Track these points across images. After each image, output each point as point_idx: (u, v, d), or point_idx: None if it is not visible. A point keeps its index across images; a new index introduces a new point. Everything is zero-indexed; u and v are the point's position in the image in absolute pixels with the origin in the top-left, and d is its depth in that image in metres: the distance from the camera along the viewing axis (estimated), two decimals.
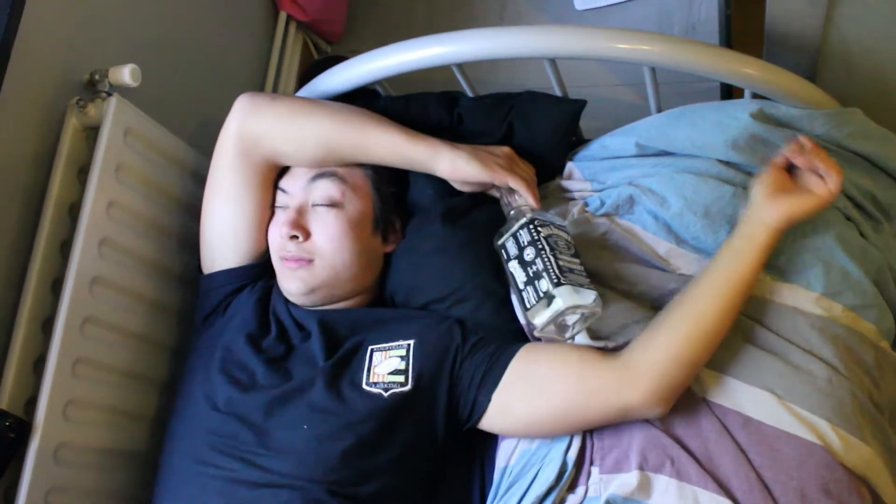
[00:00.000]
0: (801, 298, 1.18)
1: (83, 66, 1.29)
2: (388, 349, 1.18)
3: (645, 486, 1.06)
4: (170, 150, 1.37)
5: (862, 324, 1.19)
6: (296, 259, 1.21)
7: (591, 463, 1.12)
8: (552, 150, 1.34)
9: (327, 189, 1.22)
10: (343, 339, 1.20)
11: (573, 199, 1.33)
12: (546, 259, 1.11)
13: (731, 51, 1.27)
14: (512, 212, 1.19)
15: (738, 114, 1.24)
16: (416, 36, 1.32)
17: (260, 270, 1.28)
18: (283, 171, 1.28)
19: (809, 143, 1.16)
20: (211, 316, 1.28)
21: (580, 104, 1.34)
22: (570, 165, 1.35)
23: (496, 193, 1.25)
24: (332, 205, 1.22)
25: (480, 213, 1.27)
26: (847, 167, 1.26)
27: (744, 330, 1.17)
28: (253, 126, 1.23)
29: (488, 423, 1.16)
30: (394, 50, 1.32)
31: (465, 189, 1.25)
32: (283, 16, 1.91)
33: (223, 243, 1.27)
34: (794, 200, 1.13)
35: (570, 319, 1.11)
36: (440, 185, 1.27)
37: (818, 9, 1.31)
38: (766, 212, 1.13)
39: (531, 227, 1.15)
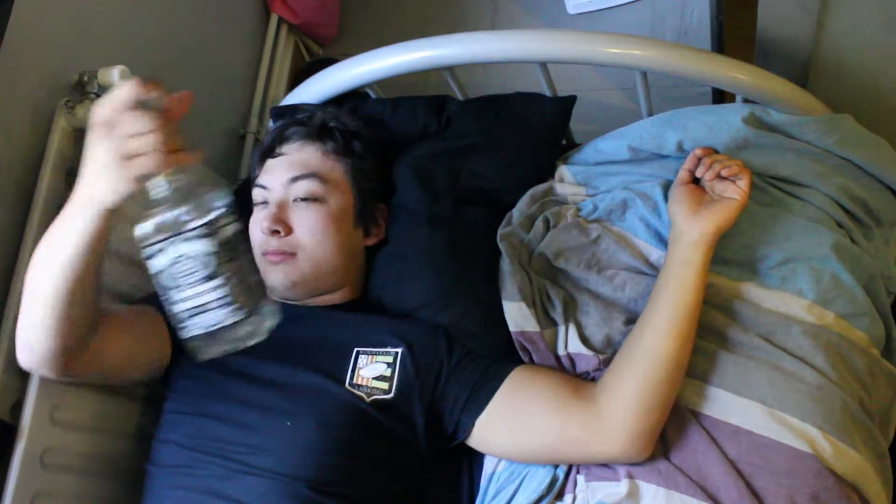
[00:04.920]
0: (793, 306, 1.18)
1: (72, 68, 1.29)
2: (375, 353, 1.17)
3: (633, 495, 1.06)
4: None
5: (853, 332, 1.18)
6: (278, 253, 1.20)
7: (577, 471, 1.12)
8: (543, 148, 1.34)
9: (308, 186, 1.22)
10: (327, 336, 1.20)
11: (566, 202, 1.33)
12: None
13: (722, 56, 1.27)
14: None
15: (730, 118, 1.24)
16: (409, 39, 1.32)
17: None
18: (259, 169, 1.27)
19: (700, 152, 1.18)
20: None
21: (570, 100, 1.34)
22: (562, 168, 1.35)
23: None
24: (314, 199, 1.22)
25: (468, 215, 1.27)
26: (838, 173, 1.26)
27: (734, 339, 1.16)
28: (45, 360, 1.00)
29: (474, 443, 1.17)
30: (384, 53, 1.32)
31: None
32: (274, 18, 1.91)
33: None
34: (715, 212, 1.14)
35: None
36: (427, 184, 1.27)
37: (810, 15, 1.30)
38: (693, 231, 1.14)
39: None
